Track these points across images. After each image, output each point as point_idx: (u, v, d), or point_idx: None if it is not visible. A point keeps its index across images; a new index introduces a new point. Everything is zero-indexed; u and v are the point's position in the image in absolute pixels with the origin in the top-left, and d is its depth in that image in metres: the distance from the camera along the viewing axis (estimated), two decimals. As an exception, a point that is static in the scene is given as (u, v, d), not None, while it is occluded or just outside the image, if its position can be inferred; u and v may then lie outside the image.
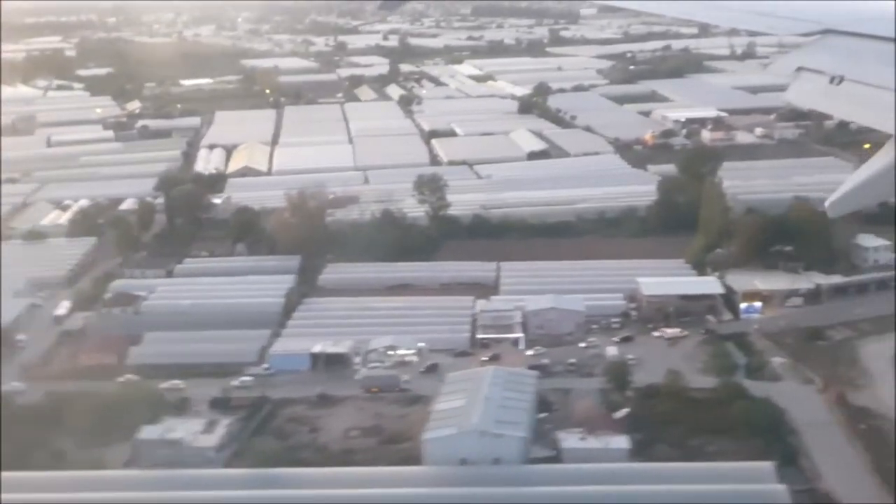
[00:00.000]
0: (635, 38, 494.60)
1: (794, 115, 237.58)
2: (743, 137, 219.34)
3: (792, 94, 14.53)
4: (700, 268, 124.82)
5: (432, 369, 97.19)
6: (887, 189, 12.79)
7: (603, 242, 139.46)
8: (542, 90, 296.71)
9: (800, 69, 14.53)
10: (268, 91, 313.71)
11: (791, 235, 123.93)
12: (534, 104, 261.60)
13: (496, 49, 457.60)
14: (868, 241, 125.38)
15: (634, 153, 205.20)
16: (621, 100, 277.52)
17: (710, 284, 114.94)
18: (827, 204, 12.97)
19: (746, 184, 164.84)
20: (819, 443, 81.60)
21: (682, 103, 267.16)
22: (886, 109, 12.44)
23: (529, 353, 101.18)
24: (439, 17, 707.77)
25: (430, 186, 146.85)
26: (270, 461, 77.35)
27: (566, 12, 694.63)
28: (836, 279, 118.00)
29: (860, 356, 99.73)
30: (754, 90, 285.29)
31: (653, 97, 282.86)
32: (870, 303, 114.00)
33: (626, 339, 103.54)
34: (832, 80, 13.63)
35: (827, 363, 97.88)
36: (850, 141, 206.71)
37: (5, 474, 71.73)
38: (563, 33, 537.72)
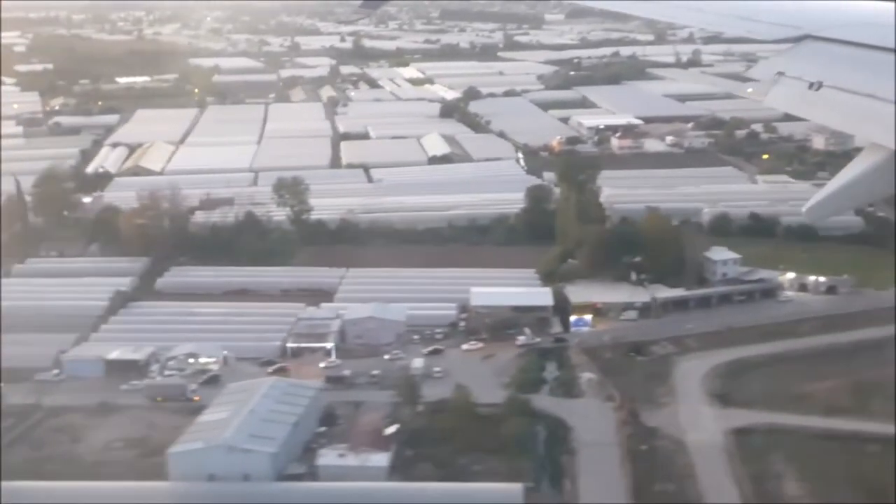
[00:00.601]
0: (591, 44, 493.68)
1: (711, 123, 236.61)
2: (653, 145, 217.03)
3: (771, 99, 14.45)
4: (549, 278, 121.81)
5: (214, 380, 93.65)
6: (864, 194, 12.96)
7: (466, 250, 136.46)
8: (472, 94, 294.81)
9: (779, 74, 14.48)
10: (196, 90, 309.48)
11: (641, 247, 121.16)
12: (455, 108, 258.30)
13: (448, 52, 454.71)
14: (719, 253, 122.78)
15: (539, 159, 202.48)
16: (548, 105, 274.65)
17: (541, 296, 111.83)
18: (804, 209, 12.94)
19: (629, 192, 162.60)
20: (591, 464, 78.76)
21: (608, 110, 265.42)
22: (864, 115, 12.42)
23: (322, 364, 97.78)
24: (405, 20, 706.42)
25: (291, 190, 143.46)
26: (9, 472, 73.70)
27: (531, 17, 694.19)
28: (676, 292, 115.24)
29: (673, 373, 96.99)
30: (683, 98, 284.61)
31: (582, 103, 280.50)
32: (706, 318, 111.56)
33: (434, 352, 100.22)
34: (811, 85, 13.59)
35: (637, 380, 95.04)
36: (756, 151, 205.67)
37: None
38: (522, 38, 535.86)
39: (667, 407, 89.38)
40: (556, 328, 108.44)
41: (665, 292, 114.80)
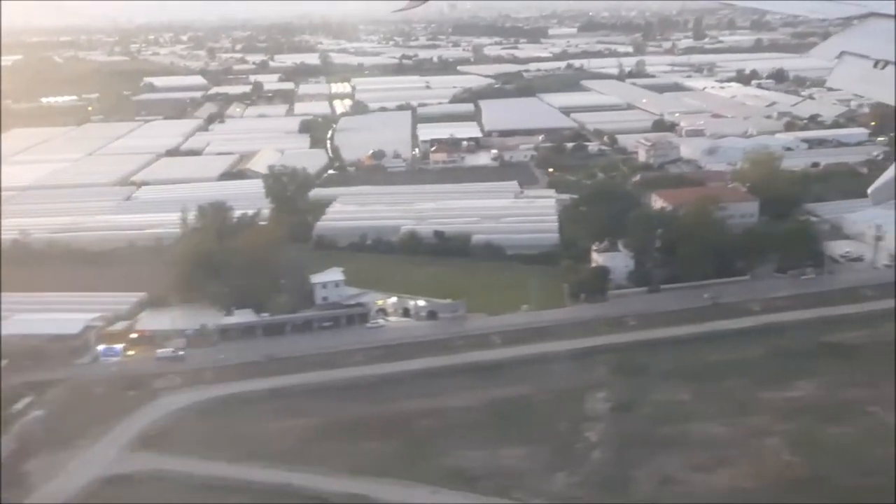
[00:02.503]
0: (566, 56, 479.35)
1: (568, 136, 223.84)
2: (476, 159, 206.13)
3: (835, 79, 14.12)
4: (161, 303, 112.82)
5: None
6: None
7: (103, 273, 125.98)
8: (359, 109, 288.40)
9: (843, 53, 14.10)
10: (90, 108, 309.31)
11: (240, 268, 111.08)
12: (313, 125, 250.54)
13: (411, 68, 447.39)
14: (323, 276, 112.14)
15: (344, 175, 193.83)
16: (435, 119, 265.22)
17: (70, 324, 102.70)
18: (870, 191, 13.36)
19: (357, 210, 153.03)
20: None
21: (486, 122, 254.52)
22: None
23: None
24: (412, 35, 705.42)
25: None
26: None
27: (537, 31, 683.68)
28: (243, 318, 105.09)
29: (139, 411, 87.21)
30: (573, 110, 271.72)
31: (470, 117, 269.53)
32: (262, 346, 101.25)
33: None
34: (876, 64, 13.23)
35: (82, 419, 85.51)
36: (575, 164, 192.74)
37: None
38: (501, 52, 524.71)
39: (75, 450, 79.70)
40: (86, 358, 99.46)
41: (230, 319, 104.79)
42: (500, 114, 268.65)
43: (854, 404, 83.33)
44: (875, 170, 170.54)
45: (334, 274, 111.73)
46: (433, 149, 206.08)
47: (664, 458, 75.06)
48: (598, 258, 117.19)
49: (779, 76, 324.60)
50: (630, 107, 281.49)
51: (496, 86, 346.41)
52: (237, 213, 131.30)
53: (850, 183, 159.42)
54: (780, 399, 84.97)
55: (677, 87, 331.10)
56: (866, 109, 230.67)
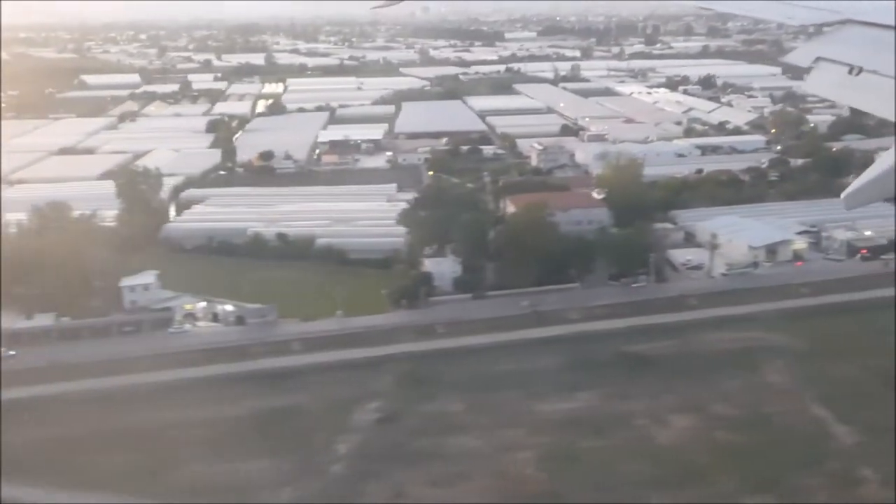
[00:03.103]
0: (511, 59, 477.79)
1: (469, 140, 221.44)
2: (371, 162, 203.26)
3: (810, 84, 14.27)
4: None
5: None
6: None
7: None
8: (276, 109, 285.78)
9: (819, 59, 14.23)
10: (3, 105, 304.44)
11: (51, 272, 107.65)
12: (220, 125, 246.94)
13: (349, 69, 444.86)
14: (137, 279, 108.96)
15: (231, 176, 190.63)
16: (353, 120, 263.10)
17: None
18: (843, 196, 12.69)
19: (216, 211, 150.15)
20: None
21: (402, 124, 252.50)
22: None
23: None
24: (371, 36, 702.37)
25: None
26: None
27: (492, 35, 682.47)
28: (38, 322, 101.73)
29: None
30: (487, 113, 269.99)
31: (388, 118, 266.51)
32: (55, 351, 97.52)
33: None
34: (851, 70, 13.43)
35: None
36: (467, 167, 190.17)
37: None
38: (450, 54, 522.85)
39: None
40: None
41: (24, 323, 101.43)
42: (415, 116, 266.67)
43: (624, 417, 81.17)
44: (757, 177, 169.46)
45: (145, 277, 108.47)
46: (325, 151, 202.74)
47: (407, 472, 72.55)
48: (425, 263, 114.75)
49: (706, 82, 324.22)
50: (550, 111, 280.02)
51: (427, 88, 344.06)
52: (78, 213, 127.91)
53: (724, 190, 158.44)
54: (552, 411, 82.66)
55: (607, 92, 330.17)
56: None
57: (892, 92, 12.53)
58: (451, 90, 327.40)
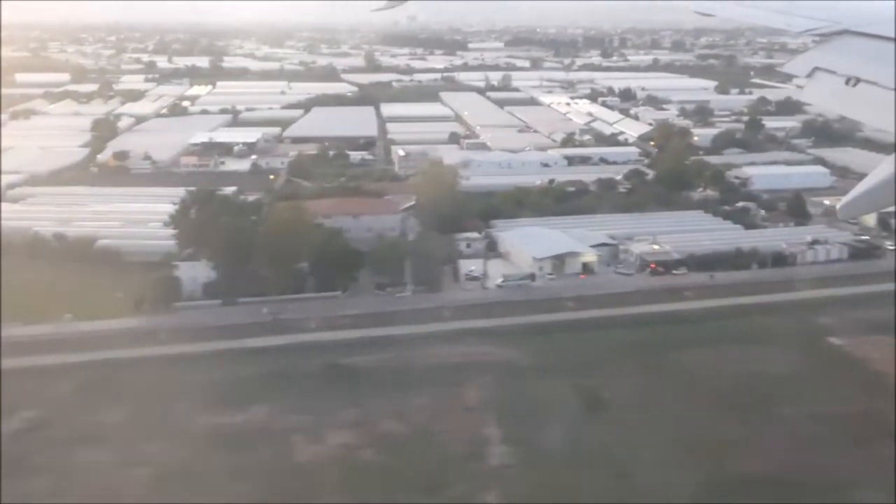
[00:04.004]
0: (457, 68, 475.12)
1: (353, 145, 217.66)
2: (237, 165, 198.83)
3: (807, 95, 14.33)
4: None
5: None
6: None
7: None
8: (177, 111, 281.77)
9: (815, 69, 14.29)
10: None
11: None
12: (103, 124, 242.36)
13: (288, 73, 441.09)
14: None
15: (85, 175, 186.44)
16: (262, 123, 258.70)
17: None
18: (838, 206, 13.17)
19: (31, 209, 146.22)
20: None
21: (295, 129, 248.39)
22: None
23: None
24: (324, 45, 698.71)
25: None
26: None
27: (455, 43, 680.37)
28: None
29: None
30: (392, 120, 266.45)
31: (286, 122, 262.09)
32: None
33: None
34: (847, 81, 13.48)
35: None
36: (329, 173, 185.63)
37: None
38: (397, 62, 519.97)
39: None
40: None
41: None
42: (315, 121, 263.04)
43: (282, 433, 76.61)
44: (605, 188, 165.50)
45: None
46: (188, 153, 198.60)
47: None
48: (178, 267, 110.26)
49: (626, 94, 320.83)
50: (457, 119, 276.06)
51: (350, 94, 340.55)
52: None
53: (558, 200, 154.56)
54: (210, 424, 78.00)
55: (530, 102, 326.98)
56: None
57: (889, 103, 12.45)
58: (372, 97, 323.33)
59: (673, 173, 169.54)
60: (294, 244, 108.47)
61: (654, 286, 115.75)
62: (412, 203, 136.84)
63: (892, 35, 13.94)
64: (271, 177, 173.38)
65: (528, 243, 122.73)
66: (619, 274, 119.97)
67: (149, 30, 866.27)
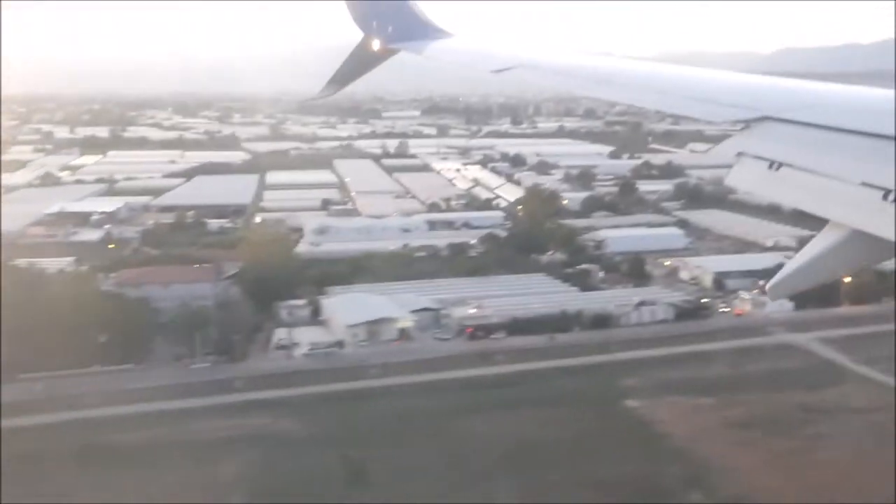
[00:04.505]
0: (373, 136, 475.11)
1: (221, 213, 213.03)
2: (89, 234, 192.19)
3: (732, 179, 14.56)
4: None
5: None
6: (824, 272, 13.17)
7: None
8: (50, 181, 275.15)
9: (740, 154, 14.76)
10: None
11: None
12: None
13: (188, 143, 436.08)
14: None
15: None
16: (121, 192, 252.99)
17: None
18: (767, 287, 13.56)
19: None
20: None
21: (171, 196, 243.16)
22: (822, 195, 12.90)
23: None
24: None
25: None
26: None
27: (369, 112, 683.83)
28: None
29: None
30: (272, 188, 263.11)
31: (163, 191, 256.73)
32: None
33: None
34: (770, 165, 14.05)
35: None
36: (189, 241, 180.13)
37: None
38: (305, 130, 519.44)
39: None
40: None
41: None
42: (191, 189, 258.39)
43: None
44: (458, 252, 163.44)
45: None
46: (37, 223, 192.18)
47: None
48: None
49: (516, 160, 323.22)
50: (340, 186, 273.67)
51: (241, 162, 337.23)
52: None
53: (408, 265, 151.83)
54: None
55: (422, 168, 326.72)
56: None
57: (809, 187, 13.10)
58: (261, 165, 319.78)
59: (527, 236, 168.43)
60: (83, 315, 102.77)
61: (467, 351, 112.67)
62: (235, 271, 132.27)
63: (812, 121, 14.51)
64: (110, 246, 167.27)
65: (346, 310, 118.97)
66: (437, 339, 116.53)
67: (64, 100, 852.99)
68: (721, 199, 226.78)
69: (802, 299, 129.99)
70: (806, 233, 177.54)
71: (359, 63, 27.01)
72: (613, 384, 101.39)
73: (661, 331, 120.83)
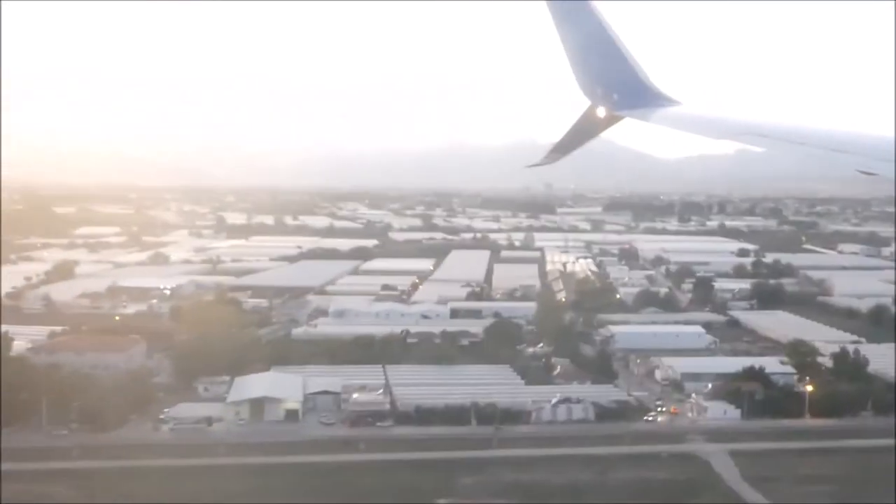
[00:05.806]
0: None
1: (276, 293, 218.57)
2: (134, 307, 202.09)
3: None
4: None
5: None
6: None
7: None
8: (158, 260, 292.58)
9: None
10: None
11: None
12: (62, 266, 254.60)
13: (341, 231, 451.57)
14: None
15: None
16: (219, 273, 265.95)
17: None
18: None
19: None
20: None
21: (252, 279, 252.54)
22: None
23: None
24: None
25: None
26: None
27: (548, 207, 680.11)
28: None
29: None
30: (366, 272, 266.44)
31: (250, 272, 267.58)
32: None
33: None
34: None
35: None
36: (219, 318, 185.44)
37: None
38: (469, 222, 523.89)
39: None
40: None
41: None
42: (279, 272, 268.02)
43: None
44: (449, 340, 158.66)
45: None
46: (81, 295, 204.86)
47: None
48: None
49: (627, 255, 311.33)
50: (424, 274, 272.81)
51: (348, 249, 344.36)
52: None
53: (368, 348, 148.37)
54: None
55: (532, 260, 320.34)
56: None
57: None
58: (372, 253, 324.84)
59: (532, 327, 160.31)
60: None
61: (338, 436, 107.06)
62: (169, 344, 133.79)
63: None
64: (116, 318, 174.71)
65: (242, 387, 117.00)
66: (321, 423, 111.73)
67: (279, 192, 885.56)
68: (805, 300, 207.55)
69: (758, 408, 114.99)
70: (853, 337, 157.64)
71: (582, 131, 26.12)
72: (447, 481, 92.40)
73: (567, 430, 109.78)
